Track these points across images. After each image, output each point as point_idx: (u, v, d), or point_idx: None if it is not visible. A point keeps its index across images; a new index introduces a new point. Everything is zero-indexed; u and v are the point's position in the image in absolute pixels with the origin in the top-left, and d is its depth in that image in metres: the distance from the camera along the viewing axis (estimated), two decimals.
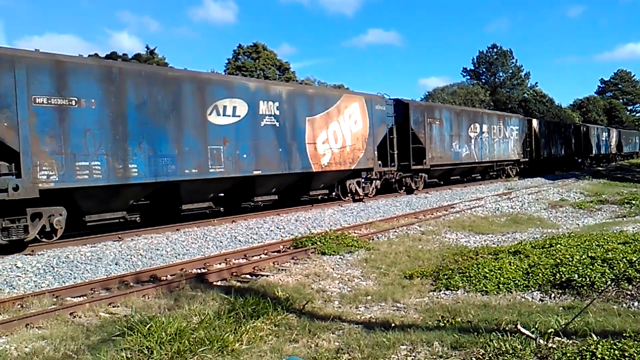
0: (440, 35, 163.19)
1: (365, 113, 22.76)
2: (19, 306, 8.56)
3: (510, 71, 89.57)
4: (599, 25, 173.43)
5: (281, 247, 13.38)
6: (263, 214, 18.77)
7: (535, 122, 41.91)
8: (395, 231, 15.13)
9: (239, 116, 17.11)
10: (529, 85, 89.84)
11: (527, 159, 39.72)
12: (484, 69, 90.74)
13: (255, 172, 17.59)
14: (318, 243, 12.89)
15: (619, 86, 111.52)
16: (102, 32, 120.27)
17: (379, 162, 23.70)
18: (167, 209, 16.38)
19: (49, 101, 12.51)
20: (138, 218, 15.27)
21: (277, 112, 18.50)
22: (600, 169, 53.04)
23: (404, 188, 27.04)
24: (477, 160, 32.36)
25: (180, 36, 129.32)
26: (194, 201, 16.43)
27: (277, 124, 18.48)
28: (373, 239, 14.14)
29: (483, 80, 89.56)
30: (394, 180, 25.74)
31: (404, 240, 13.75)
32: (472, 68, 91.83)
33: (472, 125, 31.69)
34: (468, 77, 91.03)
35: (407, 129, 25.97)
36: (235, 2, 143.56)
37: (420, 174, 27.48)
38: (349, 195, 22.94)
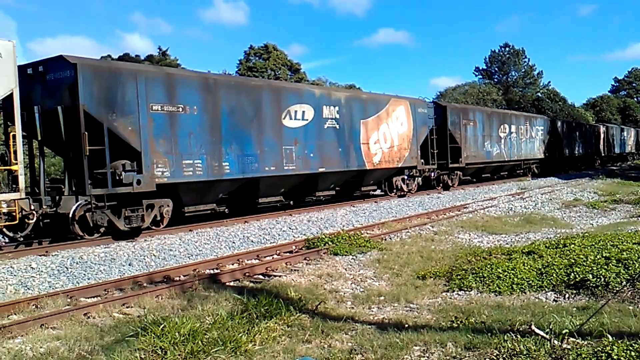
0: (451, 35, 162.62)
1: (409, 115, 25.13)
2: (34, 307, 8.62)
3: (523, 70, 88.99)
4: (610, 24, 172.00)
5: (293, 247, 13.39)
6: (275, 214, 18.80)
7: (558, 123, 44.44)
8: (408, 231, 15.09)
9: (307, 120, 19.56)
10: (541, 84, 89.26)
11: (550, 158, 41.59)
12: (496, 68, 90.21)
13: (320, 170, 20.05)
14: (330, 243, 12.88)
15: (633, 85, 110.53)
16: (114, 34, 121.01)
17: (422, 160, 25.97)
18: (247, 202, 18.66)
19: (162, 108, 14.82)
20: (226, 209, 17.80)
21: (337, 116, 20.95)
22: (614, 168, 52.66)
23: (440, 185, 29.08)
24: (506, 159, 34.40)
25: (192, 37, 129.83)
26: (268, 195, 18.95)
27: (337, 126, 20.94)
28: (385, 240, 14.11)
29: (495, 80, 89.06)
30: (432, 177, 27.91)
31: (417, 240, 13.71)
32: (485, 67, 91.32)
33: (502, 126, 33.76)
34: (480, 77, 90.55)
35: (445, 129, 28.15)
36: (246, 3, 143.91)
37: (455, 172, 29.49)
38: (395, 190, 25.15)
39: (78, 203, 13.54)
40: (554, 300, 7.99)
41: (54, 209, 13.65)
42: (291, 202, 20.29)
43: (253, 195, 18.37)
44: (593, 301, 7.63)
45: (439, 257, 11.47)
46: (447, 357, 5.77)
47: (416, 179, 26.27)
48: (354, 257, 11.82)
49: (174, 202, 15.64)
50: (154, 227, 15.28)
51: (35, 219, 13.05)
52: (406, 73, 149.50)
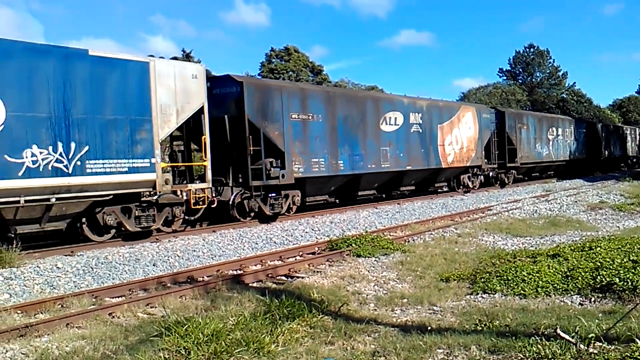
0: (473, 35, 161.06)
1: (475, 120, 28.92)
2: (60, 306, 8.73)
3: (548, 71, 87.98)
4: (637, 23, 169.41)
5: (316, 249, 13.40)
6: (297, 216, 18.83)
7: (598, 126, 48.14)
8: (431, 233, 15.01)
9: (398, 125, 23.32)
10: (566, 85, 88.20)
11: (590, 158, 45.24)
12: (520, 69, 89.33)
13: (407, 167, 23.75)
14: (353, 245, 12.85)
15: None
16: (137, 36, 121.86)
17: (485, 160, 29.81)
18: (350, 194, 22.29)
19: (298, 117, 18.66)
20: (337, 200, 21.93)
21: (420, 121, 24.65)
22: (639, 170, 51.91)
23: (498, 182, 32.36)
24: (553, 159, 38.10)
25: (214, 39, 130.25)
26: (365, 189, 22.60)
27: (420, 130, 24.60)
28: (408, 242, 14.05)
29: (520, 81, 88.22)
30: (491, 175, 31.36)
31: (440, 242, 13.63)
32: (509, 68, 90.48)
33: (550, 129, 37.39)
34: (504, 78, 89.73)
35: (503, 132, 31.77)
36: (267, 4, 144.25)
37: (511, 171, 32.95)
38: (461, 187, 28.70)
39: (236, 192, 17.14)
40: (580, 303, 7.88)
41: (218, 197, 16.71)
42: (383, 195, 24.39)
43: (354, 188, 22.03)
44: (620, 305, 7.51)
45: (462, 259, 11.39)
46: None
47: (479, 177, 29.87)
48: (377, 259, 11.79)
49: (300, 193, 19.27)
50: (286, 213, 18.72)
51: (206, 204, 16.02)
52: (428, 74, 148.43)
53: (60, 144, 12.46)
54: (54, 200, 12.40)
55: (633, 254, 9.15)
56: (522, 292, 8.44)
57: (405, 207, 21.80)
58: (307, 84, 21.29)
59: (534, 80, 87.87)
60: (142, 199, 14.45)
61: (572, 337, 5.74)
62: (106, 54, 13.55)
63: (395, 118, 23.19)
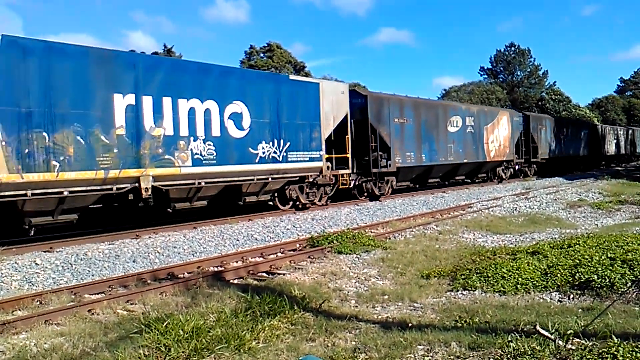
0: (453, 34, 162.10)
1: (509, 122, 34.94)
2: (38, 303, 8.64)
3: (528, 70, 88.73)
4: (613, 24, 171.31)
5: (298, 245, 13.39)
6: (279, 212, 18.80)
7: (599, 127, 56.56)
8: (412, 230, 15.07)
9: (458, 127, 29.14)
10: (547, 84, 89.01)
11: (592, 155, 51.83)
12: (501, 68, 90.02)
13: (464, 160, 29.62)
14: (334, 242, 12.86)
15: (639, 85, 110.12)
16: (117, 32, 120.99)
17: (516, 155, 35.88)
18: (422, 181, 28.10)
19: (397, 120, 24.45)
20: (417, 186, 28.19)
21: (473, 124, 30.59)
22: (619, 168, 52.57)
23: (522, 174, 37.65)
24: (564, 155, 44.49)
25: (195, 36, 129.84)
26: (434, 177, 28.55)
27: (473, 131, 30.54)
28: (390, 239, 14.09)
29: (501, 79, 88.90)
30: (516, 168, 36.52)
31: (421, 239, 13.68)
32: (490, 67, 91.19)
33: (562, 130, 44.14)
34: (485, 76, 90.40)
35: (528, 133, 37.73)
36: (248, 1, 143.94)
37: (532, 165, 38.87)
38: (496, 178, 34.41)
39: (357, 177, 22.65)
40: (559, 300, 7.96)
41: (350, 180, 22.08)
42: (446, 182, 30.92)
43: (427, 176, 27.84)
44: (598, 302, 7.61)
45: (443, 256, 11.45)
46: (451, 357, 5.75)
47: (509, 169, 35.57)
48: (358, 256, 11.81)
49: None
50: (383, 196, 23.95)
51: (349, 185, 22.00)
52: (409, 72, 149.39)
53: (275, 141, 18.24)
54: (270, 179, 18.06)
55: (611, 252, 9.25)
56: (501, 289, 8.51)
57: (386, 204, 21.86)
58: (403, 96, 25.93)
59: (514, 79, 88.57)
60: (310, 180, 19.88)
61: (551, 334, 5.79)
62: (297, 78, 20.96)
63: (457, 121, 29.10)
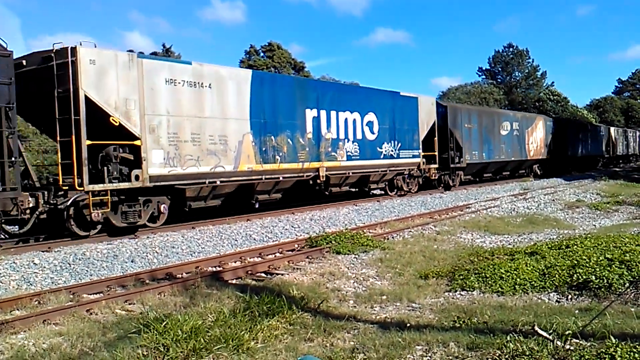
0: (449, 34, 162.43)
1: (544, 126, 40.73)
2: (36, 302, 8.63)
3: (527, 71, 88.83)
4: (609, 25, 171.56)
5: (296, 246, 13.39)
6: (277, 212, 18.80)
7: (612, 129, 63.36)
8: (410, 231, 15.08)
9: (508, 130, 34.50)
10: (545, 85, 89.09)
11: (608, 155, 59.75)
12: (499, 69, 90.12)
13: (512, 159, 35.04)
14: (333, 242, 12.87)
15: (637, 86, 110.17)
16: (114, 32, 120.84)
17: (548, 155, 41.26)
18: (480, 175, 33.52)
19: (467, 126, 29.60)
20: (477, 179, 33.58)
21: (518, 128, 35.98)
22: (617, 169, 52.67)
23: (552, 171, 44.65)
24: (585, 154, 50.22)
25: (191, 36, 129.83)
26: (487, 173, 33.93)
27: (518, 134, 35.94)
28: (388, 239, 14.10)
29: (499, 80, 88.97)
30: (548, 167, 41.98)
31: (419, 240, 13.70)
32: (488, 67, 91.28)
33: (582, 133, 49.78)
34: (483, 77, 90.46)
35: (558, 135, 43.65)
36: (243, 1, 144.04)
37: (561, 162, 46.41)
38: (532, 174, 39.37)
39: (436, 172, 27.03)
40: (557, 301, 7.98)
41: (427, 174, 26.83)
42: (497, 177, 36.14)
43: (483, 171, 33.34)
44: (596, 303, 7.62)
45: (441, 257, 11.47)
46: (450, 357, 5.76)
47: (544, 166, 40.92)
48: (357, 256, 11.82)
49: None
50: (453, 187, 28.97)
51: (436, 177, 27.19)
52: (406, 72, 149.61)
53: (392, 142, 23.62)
54: (388, 171, 23.45)
55: (609, 252, 9.27)
56: (500, 289, 8.52)
57: (384, 204, 21.86)
58: (470, 106, 36.50)
59: (512, 79, 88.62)
60: (410, 173, 25.19)
61: (550, 334, 5.81)
62: (405, 93, 25.01)
63: (507, 126, 34.46)
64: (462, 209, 20.66)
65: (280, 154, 18.09)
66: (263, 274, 10.53)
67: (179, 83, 15.00)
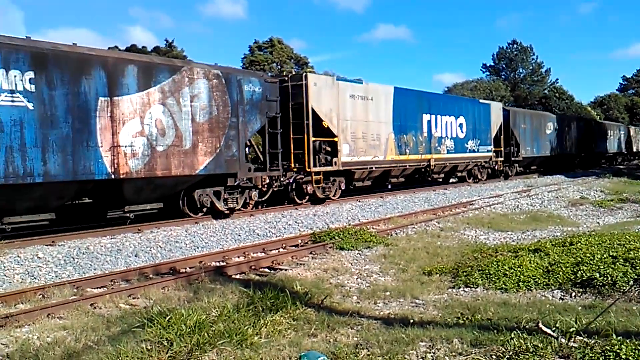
0: (450, 31, 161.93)
1: (577, 126, 47.35)
2: (41, 296, 8.66)
3: (531, 67, 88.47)
4: (611, 22, 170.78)
5: (299, 241, 13.40)
6: (281, 208, 18.81)
7: (632, 129, 70.21)
8: (414, 227, 15.07)
9: (550, 130, 40.51)
10: (549, 81, 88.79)
11: (628, 151, 66.52)
12: (503, 65, 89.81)
13: (554, 153, 40.94)
14: (336, 238, 12.88)
15: None
16: (116, 27, 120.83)
17: (578, 150, 48.08)
18: (529, 168, 40.39)
19: (522, 126, 35.67)
20: (542, 170, 41.66)
21: (557, 127, 41.79)
22: (621, 167, 52.58)
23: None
24: (611, 152, 57.99)
25: (194, 31, 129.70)
26: (534, 165, 40.62)
27: (557, 133, 41.52)
28: (391, 235, 14.10)
29: (503, 76, 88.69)
30: (578, 161, 48.68)
31: (423, 236, 13.69)
32: (492, 64, 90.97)
33: (610, 131, 57.16)
34: (488, 73, 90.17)
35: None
36: None
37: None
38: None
39: (501, 164, 33.22)
40: (561, 298, 7.97)
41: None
42: (541, 169, 41.95)
43: (532, 164, 40.36)
44: (600, 300, 7.61)
45: (445, 253, 11.46)
46: (453, 354, 5.76)
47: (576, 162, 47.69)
48: (360, 252, 11.82)
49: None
50: (512, 175, 35.34)
51: (501, 167, 33.74)
52: (409, 68, 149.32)
53: (474, 139, 29.83)
54: (470, 162, 29.73)
55: (613, 250, 9.25)
56: (503, 286, 8.51)
57: (388, 200, 21.86)
58: (524, 110, 42.79)
59: (517, 76, 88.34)
60: (482, 164, 31.18)
61: (553, 331, 5.80)
62: (482, 101, 33.65)
63: (550, 125, 40.57)
64: (466, 206, 20.64)
65: (408, 148, 24.50)
66: (266, 269, 10.54)
67: (356, 97, 21.50)
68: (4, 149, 11.29)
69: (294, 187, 19.32)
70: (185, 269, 10.65)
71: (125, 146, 13.41)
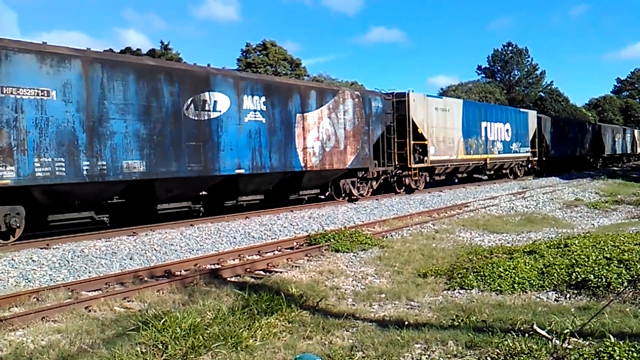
0: (444, 34, 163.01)
1: (591, 130, 53.65)
2: (35, 299, 8.63)
3: (526, 69, 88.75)
4: (603, 25, 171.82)
5: (295, 243, 13.39)
6: (276, 210, 18.80)
7: (636, 132, 77.35)
8: (409, 229, 15.08)
9: (571, 134, 47.14)
10: (544, 83, 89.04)
11: (632, 153, 73.01)
12: (499, 67, 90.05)
13: (574, 154, 47.96)
14: (332, 240, 12.88)
15: (636, 86, 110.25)
16: (109, 30, 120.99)
17: (592, 151, 54.34)
18: (565, 168, 46.05)
19: (550, 130, 42.43)
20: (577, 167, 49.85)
21: (577, 131, 48.68)
22: (615, 168, 52.78)
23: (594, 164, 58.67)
24: (619, 152, 65.08)
25: (187, 33, 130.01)
26: (562, 163, 44.53)
27: (577, 136, 48.15)
28: (387, 237, 14.10)
29: (498, 79, 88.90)
30: (592, 160, 55.23)
31: (418, 238, 13.70)
32: (487, 66, 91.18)
33: (616, 134, 63.64)
34: (483, 75, 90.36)
35: (597, 137, 56.50)
36: None
37: (599, 158, 57.08)
38: (591, 166, 54.73)
39: (536, 162, 39.36)
40: (555, 300, 7.99)
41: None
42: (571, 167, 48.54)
43: (557, 163, 44.09)
44: (594, 301, 7.62)
45: (440, 255, 11.47)
46: (448, 356, 5.77)
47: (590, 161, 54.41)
48: (355, 254, 11.82)
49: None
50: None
51: (537, 167, 40.35)
52: (403, 71, 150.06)
53: (517, 142, 35.82)
54: (513, 162, 35.66)
55: (607, 251, 9.26)
56: (498, 288, 8.52)
57: (383, 202, 21.87)
58: (553, 117, 47.83)
59: (512, 78, 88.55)
60: (520, 163, 36.88)
61: (548, 333, 5.82)
62: (522, 110, 39.83)
63: (571, 129, 47.29)
64: (461, 208, 20.67)
65: (472, 149, 30.14)
66: (262, 272, 10.53)
67: (439, 109, 27.18)
68: (251, 149, 16.96)
69: (395, 179, 24.89)
70: (180, 271, 10.64)
71: (310, 148, 19.25)
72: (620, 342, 5.38)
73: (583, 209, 19.88)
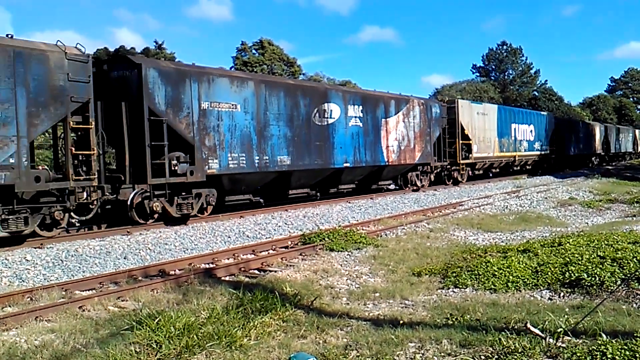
0: (437, 33, 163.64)
1: (600, 130, 57.62)
2: (29, 299, 8.61)
3: (520, 69, 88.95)
4: (595, 25, 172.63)
5: (289, 243, 13.39)
6: (271, 209, 18.80)
7: (637, 131, 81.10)
8: (404, 228, 15.09)
9: (583, 134, 51.84)
10: (538, 83, 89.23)
11: (634, 151, 77.04)
12: (493, 66, 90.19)
13: (585, 153, 52.80)
14: (326, 239, 12.88)
15: (629, 85, 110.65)
16: (102, 29, 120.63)
17: (601, 150, 59.09)
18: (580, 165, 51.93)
19: (567, 130, 48.01)
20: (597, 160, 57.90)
21: (589, 131, 53.94)
22: (609, 167, 52.97)
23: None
24: (624, 151, 70.80)
25: (180, 33, 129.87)
26: (573, 161, 49.91)
27: (589, 136, 53.40)
28: (381, 236, 14.11)
29: (492, 78, 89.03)
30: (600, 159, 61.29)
31: (412, 237, 13.72)
32: (482, 65, 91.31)
33: (624, 134, 70.07)
34: (477, 74, 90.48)
35: (606, 138, 61.82)
36: None
37: (609, 154, 63.88)
38: (594, 163, 58.33)
39: (553, 159, 44.69)
40: (549, 298, 8.01)
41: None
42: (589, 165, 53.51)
43: (572, 160, 48.27)
44: (588, 300, 7.65)
45: (434, 254, 11.48)
46: (442, 354, 5.77)
47: (598, 159, 59.33)
48: (350, 253, 11.82)
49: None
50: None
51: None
52: (396, 70, 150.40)
53: (538, 141, 40.87)
54: (535, 158, 40.71)
55: (601, 250, 9.30)
56: (492, 286, 8.54)
57: (378, 201, 21.90)
58: (569, 118, 53.66)
59: (506, 77, 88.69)
60: (541, 160, 41.56)
61: (542, 332, 5.84)
62: (541, 112, 45.67)
63: (583, 130, 51.12)
64: (455, 207, 20.70)
65: (504, 148, 34.79)
66: (256, 271, 10.53)
67: (480, 113, 32.10)
68: (353, 148, 21.73)
69: (445, 173, 29.56)
70: (175, 271, 10.62)
71: (390, 146, 23.99)
72: (614, 341, 5.40)
73: (577, 207, 19.93)
